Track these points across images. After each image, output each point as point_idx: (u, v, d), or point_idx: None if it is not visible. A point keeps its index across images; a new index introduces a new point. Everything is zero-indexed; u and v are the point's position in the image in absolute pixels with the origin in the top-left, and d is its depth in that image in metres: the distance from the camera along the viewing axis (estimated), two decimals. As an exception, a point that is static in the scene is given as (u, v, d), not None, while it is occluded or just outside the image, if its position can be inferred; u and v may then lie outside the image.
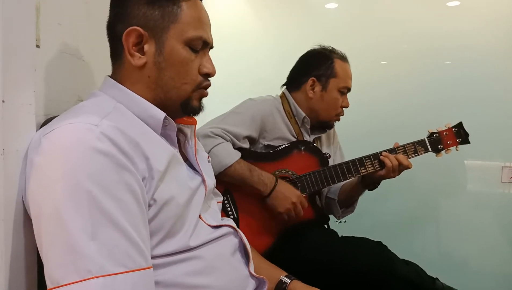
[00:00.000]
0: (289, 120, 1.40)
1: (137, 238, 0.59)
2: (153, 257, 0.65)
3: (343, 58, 1.44)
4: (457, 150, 1.37)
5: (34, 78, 0.67)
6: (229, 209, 1.28)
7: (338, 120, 1.45)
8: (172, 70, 0.72)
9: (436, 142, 1.35)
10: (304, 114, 1.40)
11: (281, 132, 1.37)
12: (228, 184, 1.26)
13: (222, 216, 0.87)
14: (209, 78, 0.78)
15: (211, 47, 0.79)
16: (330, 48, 1.45)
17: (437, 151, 1.36)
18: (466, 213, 1.94)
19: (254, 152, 1.35)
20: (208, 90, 0.80)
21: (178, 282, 0.67)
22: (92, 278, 0.54)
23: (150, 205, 0.64)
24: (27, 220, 0.64)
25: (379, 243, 1.24)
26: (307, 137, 1.43)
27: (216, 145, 1.22)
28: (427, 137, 1.36)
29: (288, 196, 1.24)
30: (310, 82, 1.40)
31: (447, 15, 1.98)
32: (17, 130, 0.63)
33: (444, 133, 1.36)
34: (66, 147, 0.58)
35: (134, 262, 0.58)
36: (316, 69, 1.41)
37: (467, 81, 1.91)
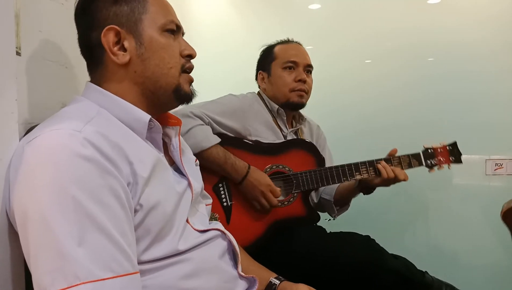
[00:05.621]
0: (269, 114, 1.43)
1: (124, 243, 0.59)
2: (142, 263, 0.65)
3: (286, 42, 1.48)
4: (449, 168, 1.40)
5: (16, 86, 0.66)
6: (223, 195, 1.28)
7: (301, 96, 1.41)
8: (156, 57, 0.74)
9: (430, 158, 1.39)
10: (277, 106, 1.43)
11: (265, 118, 1.39)
12: None
13: (215, 202, 0.87)
14: (194, 68, 0.79)
15: (183, 33, 0.81)
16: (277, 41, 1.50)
17: (430, 166, 1.40)
18: (452, 206, 1.97)
19: (251, 145, 1.34)
20: (193, 90, 0.80)
21: (168, 286, 0.67)
22: (80, 284, 0.53)
23: (136, 211, 0.64)
24: (12, 230, 0.63)
25: (368, 237, 1.25)
26: (285, 129, 1.44)
27: (194, 126, 1.22)
28: (422, 152, 1.40)
29: (256, 185, 1.25)
30: (259, 76, 1.50)
31: (428, 12, 2.01)
32: (0, 139, 0.62)
33: (439, 150, 1.40)
34: (50, 154, 0.57)
35: (121, 267, 0.58)
36: (261, 63, 1.51)
37: (451, 77, 1.94)
